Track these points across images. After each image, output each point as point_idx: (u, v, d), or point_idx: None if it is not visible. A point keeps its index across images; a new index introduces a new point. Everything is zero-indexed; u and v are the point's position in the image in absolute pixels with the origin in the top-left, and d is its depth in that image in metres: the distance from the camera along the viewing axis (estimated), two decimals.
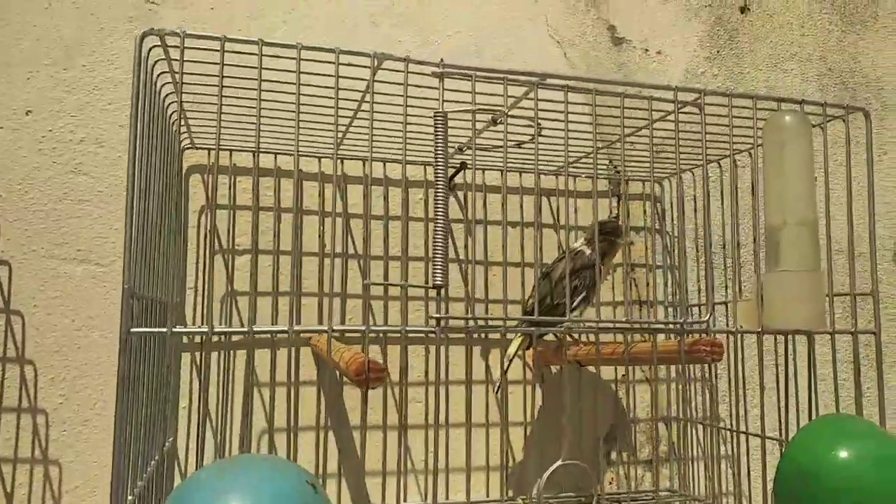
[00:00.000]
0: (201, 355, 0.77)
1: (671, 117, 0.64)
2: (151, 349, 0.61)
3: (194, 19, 0.83)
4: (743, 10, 1.07)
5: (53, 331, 0.76)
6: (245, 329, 0.49)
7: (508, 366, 0.76)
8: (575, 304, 0.76)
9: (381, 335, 0.81)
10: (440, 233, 0.52)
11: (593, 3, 0.99)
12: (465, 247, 0.89)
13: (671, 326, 0.61)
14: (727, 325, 0.85)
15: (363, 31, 0.89)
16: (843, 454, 0.55)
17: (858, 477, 0.54)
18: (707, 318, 0.59)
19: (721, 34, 1.05)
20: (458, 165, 0.87)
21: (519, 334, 0.77)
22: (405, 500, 0.81)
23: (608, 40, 0.99)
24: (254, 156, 0.82)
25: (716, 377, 0.87)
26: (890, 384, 1.06)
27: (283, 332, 0.50)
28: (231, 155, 0.82)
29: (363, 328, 0.51)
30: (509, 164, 0.89)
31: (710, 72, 1.03)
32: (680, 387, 0.90)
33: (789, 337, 0.64)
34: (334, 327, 0.79)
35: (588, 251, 0.77)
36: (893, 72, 1.13)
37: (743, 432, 0.76)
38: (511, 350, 0.76)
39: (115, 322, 0.77)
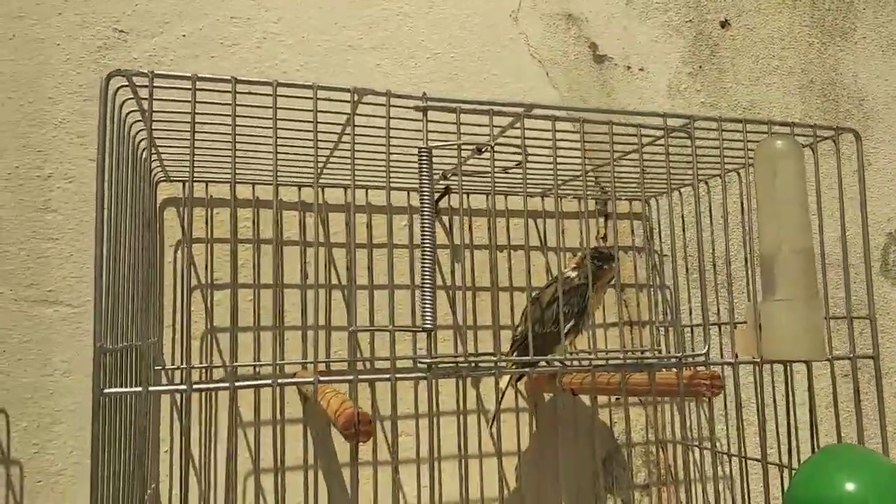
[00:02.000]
0: (181, 398, 0.73)
1: (660, 142, 0.63)
2: (127, 398, 0.58)
3: (165, 47, 0.80)
4: (723, 25, 1.06)
5: (25, 377, 0.72)
6: (227, 385, 0.47)
7: (501, 398, 0.74)
8: (565, 331, 0.74)
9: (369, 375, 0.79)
10: (428, 275, 0.50)
11: (574, 21, 0.98)
12: (452, 272, 0.87)
13: (668, 361, 0.59)
14: (720, 347, 0.84)
15: (340, 55, 0.87)
16: (851, 487, 0.54)
17: None
18: (705, 350, 0.57)
19: (703, 49, 1.04)
20: (443, 190, 0.85)
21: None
22: None
23: (590, 58, 0.98)
24: (231, 188, 0.79)
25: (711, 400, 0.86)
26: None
27: (266, 384, 0.48)
28: (207, 187, 0.79)
29: (351, 377, 0.49)
30: (499, 189, 0.87)
31: (692, 87, 1.03)
32: (675, 409, 0.89)
33: (788, 364, 0.63)
34: (320, 372, 0.77)
35: (575, 276, 0.76)
36: (874, 82, 1.13)
37: (746, 457, 0.74)
38: (503, 384, 0.74)
39: (88, 366, 0.73)
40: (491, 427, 0.78)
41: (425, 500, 0.80)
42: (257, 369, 0.76)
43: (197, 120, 0.54)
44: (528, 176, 0.83)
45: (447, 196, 0.86)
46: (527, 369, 0.58)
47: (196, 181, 0.79)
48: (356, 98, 0.52)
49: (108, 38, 0.79)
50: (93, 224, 0.75)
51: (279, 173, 0.78)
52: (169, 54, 0.80)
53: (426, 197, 0.52)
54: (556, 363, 0.58)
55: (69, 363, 0.74)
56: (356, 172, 0.78)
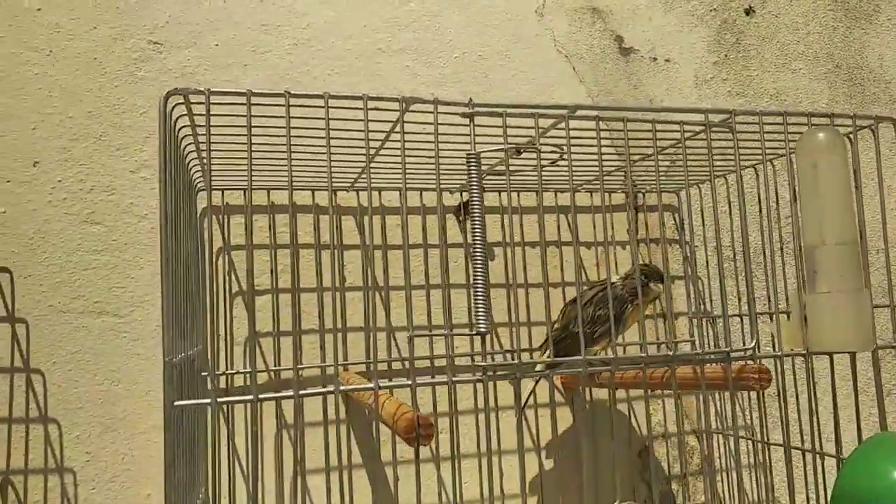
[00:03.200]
0: (228, 408, 0.75)
1: (699, 136, 0.63)
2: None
3: (199, 57, 0.81)
4: (748, 12, 1.06)
5: (75, 387, 0.74)
6: (291, 394, 0.48)
7: (534, 387, 0.75)
8: (598, 333, 0.74)
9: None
10: (480, 278, 0.51)
11: (599, 15, 0.98)
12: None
13: (717, 356, 0.60)
14: (757, 337, 0.84)
15: (369, 59, 0.87)
16: None
17: None
18: (752, 344, 0.58)
19: (727, 38, 1.04)
20: None
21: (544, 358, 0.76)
22: None
23: (616, 51, 0.98)
24: (288, 196, 0.80)
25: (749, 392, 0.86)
26: None
27: (329, 392, 0.49)
28: (245, 194, 0.80)
29: (409, 383, 0.50)
30: (527, 184, 0.87)
31: (719, 76, 1.02)
32: (713, 401, 0.89)
33: (832, 355, 0.63)
34: (362, 373, 0.78)
35: (620, 285, 0.75)
36: None
37: (791, 447, 0.74)
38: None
39: (136, 374, 0.75)
40: (520, 415, 0.78)
41: (468, 496, 0.81)
42: (300, 373, 0.77)
43: (239, 131, 0.54)
44: (559, 174, 0.83)
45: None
46: (578, 369, 0.59)
47: (234, 189, 0.80)
48: (405, 107, 0.53)
49: (143, 51, 0.79)
50: (135, 234, 0.77)
51: (315, 178, 0.79)
52: (203, 64, 0.81)
53: (476, 201, 0.52)
54: (604, 363, 0.58)
55: (118, 372, 0.75)
56: (391, 176, 0.79)
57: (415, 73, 0.89)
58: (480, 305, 0.51)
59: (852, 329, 0.56)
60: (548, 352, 0.77)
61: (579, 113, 0.60)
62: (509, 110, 0.54)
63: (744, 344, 0.59)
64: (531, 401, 0.84)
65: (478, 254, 0.52)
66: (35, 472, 0.72)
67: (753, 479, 0.88)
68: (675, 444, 0.90)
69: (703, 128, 0.61)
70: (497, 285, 0.88)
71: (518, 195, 0.89)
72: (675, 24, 1.01)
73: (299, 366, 0.76)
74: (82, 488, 0.73)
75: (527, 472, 0.84)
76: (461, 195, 0.88)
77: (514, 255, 0.68)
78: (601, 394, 0.88)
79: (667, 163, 0.88)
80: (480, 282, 0.51)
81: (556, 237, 0.90)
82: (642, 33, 0.99)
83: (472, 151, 0.53)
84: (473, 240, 0.52)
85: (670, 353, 0.57)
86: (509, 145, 0.55)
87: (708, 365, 0.61)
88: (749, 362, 0.59)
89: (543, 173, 0.81)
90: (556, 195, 0.91)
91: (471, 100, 0.54)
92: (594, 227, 0.92)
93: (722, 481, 0.91)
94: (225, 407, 0.76)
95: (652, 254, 0.94)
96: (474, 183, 0.52)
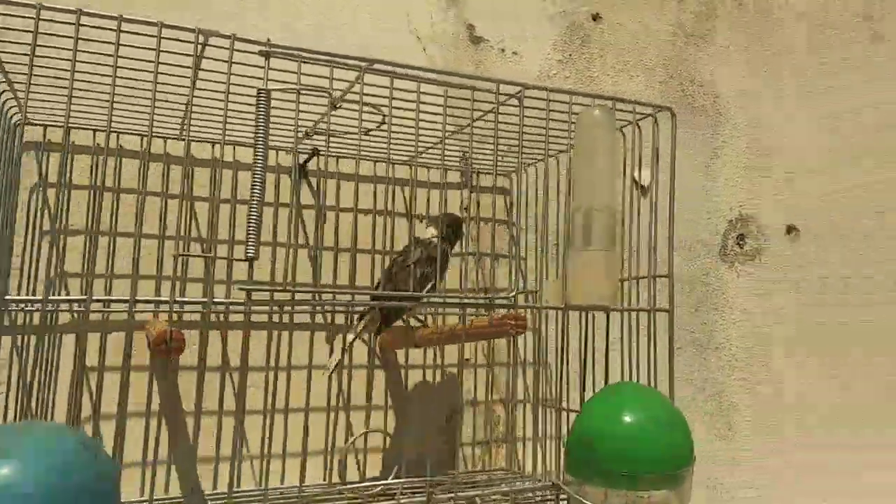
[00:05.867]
0: (23, 337, 0.73)
1: (503, 109, 0.68)
2: None
3: None
4: (595, 18, 1.13)
5: None
6: (83, 297, 0.48)
7: (352, 342, 0.77)
8: (426, 290, 0.78)
9: (184, 308, 0.79)
10: (255, 206, 0.53)
11: (454, 2, 1.02)
12: (315, 232, 0.89)
13: (480, 301, 0.65)
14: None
15: (198, 9, 0.87)
16: (629, 419, 0.60)
17: (633, 438, 0.59)
18: (512, 293, 0.63)
19: (574, 39, 1.11)
20: (311, 151, 0.88)
21: (365, 317, 0.79)
22: (238, 486, 0.80)
23: (467, 39, 1.03)
24: (97, 136, 0.80)
25: (547, 358, 0.92)
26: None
27: (122, 300, 0.50)
28: (69, 132, 0.79)
29: (167, 300, 0.51)
30: (363, 153, 0.90)
31: (561, 74, 1.09)
32: (521, 372, 0.95)
33: (590, 314, 0.70)
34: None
35: (437, 242, 0.79)
36: (727, 81, 1.23)
37: (564, 408, 0.80)
38: (358, 327, 0.78)
39: None
40: (332, 372, 0.81)
41: (270, 450, 0.83)
42: (108, 305, 0.76)
43: (52, 62, 0.54)
44: (392, 142, 0.87)
45: (315, 157, 0.88)
46: (375, 303, 0.62)
47: (56, 126, 0.78)
48: (201, 39, 0.55)
49: None
50: None
51: (133, 121, 0.78)
52: None
53: (260, 137, 0.55)
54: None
55: None
56: (206, 125, 0.79)
57: (266, 31, 0.90)
58: (252, 233, 0.53)
59: (601, 285, 0.62)
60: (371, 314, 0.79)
61: (384, 69, 0.63)
62: (305, 54, 0.57)
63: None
64: (345, 360, 0.86)
65: (256, 182, 0.54)
66: None
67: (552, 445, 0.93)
68: (480, 412, 0.95)
69: (508, 97, 0.66)
70: (327, 248, 0.90)
71: (357, 163, 0.92)
72: (526, 20, 1.07)
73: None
74: None
75: (337, 430, 0.87)
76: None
77: (335, 220, 0.71)
78: (415, 360, 0.91)
79: (504, 148, 0.93)
80: (254, 210, 0.54)
81: (384, 206, 0.92)
82: (493, 25, 1.05)
83: (263, 88, 0.55)
84: (253, 174, 0.54)
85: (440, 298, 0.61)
86: (304, 88, 0.57)
87: (479, 318, 0.65)
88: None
89: (375, 142, 0.85)
90: (392, 167, 0.94)
91: (268, 39, 0.56)
92: (428, 200, 0.95)
93: (516, 447, 0.96)
94: (21, 341, 0.73)
95: (482, 232, 0.99)
96: (261, 120, 0.55)
